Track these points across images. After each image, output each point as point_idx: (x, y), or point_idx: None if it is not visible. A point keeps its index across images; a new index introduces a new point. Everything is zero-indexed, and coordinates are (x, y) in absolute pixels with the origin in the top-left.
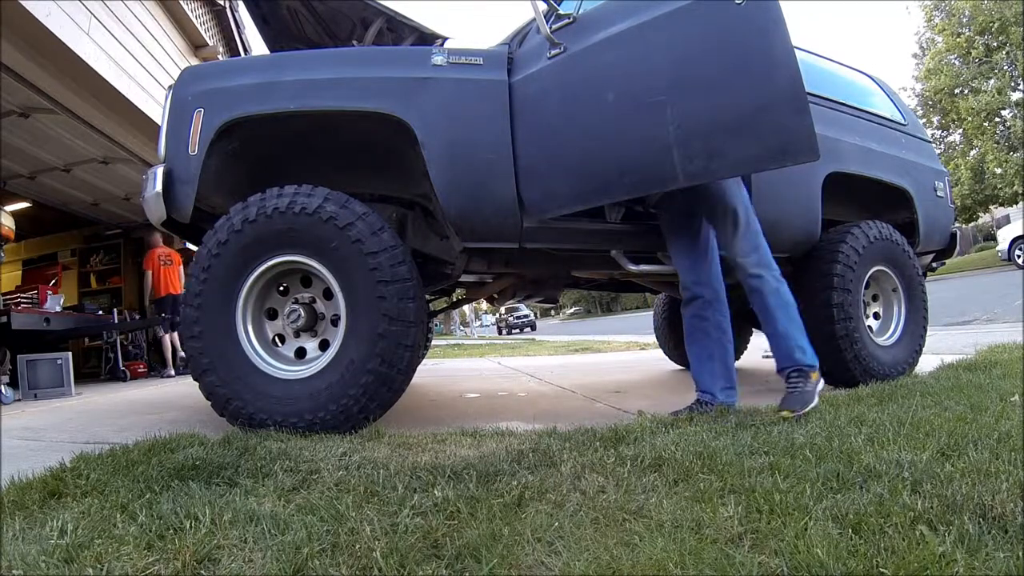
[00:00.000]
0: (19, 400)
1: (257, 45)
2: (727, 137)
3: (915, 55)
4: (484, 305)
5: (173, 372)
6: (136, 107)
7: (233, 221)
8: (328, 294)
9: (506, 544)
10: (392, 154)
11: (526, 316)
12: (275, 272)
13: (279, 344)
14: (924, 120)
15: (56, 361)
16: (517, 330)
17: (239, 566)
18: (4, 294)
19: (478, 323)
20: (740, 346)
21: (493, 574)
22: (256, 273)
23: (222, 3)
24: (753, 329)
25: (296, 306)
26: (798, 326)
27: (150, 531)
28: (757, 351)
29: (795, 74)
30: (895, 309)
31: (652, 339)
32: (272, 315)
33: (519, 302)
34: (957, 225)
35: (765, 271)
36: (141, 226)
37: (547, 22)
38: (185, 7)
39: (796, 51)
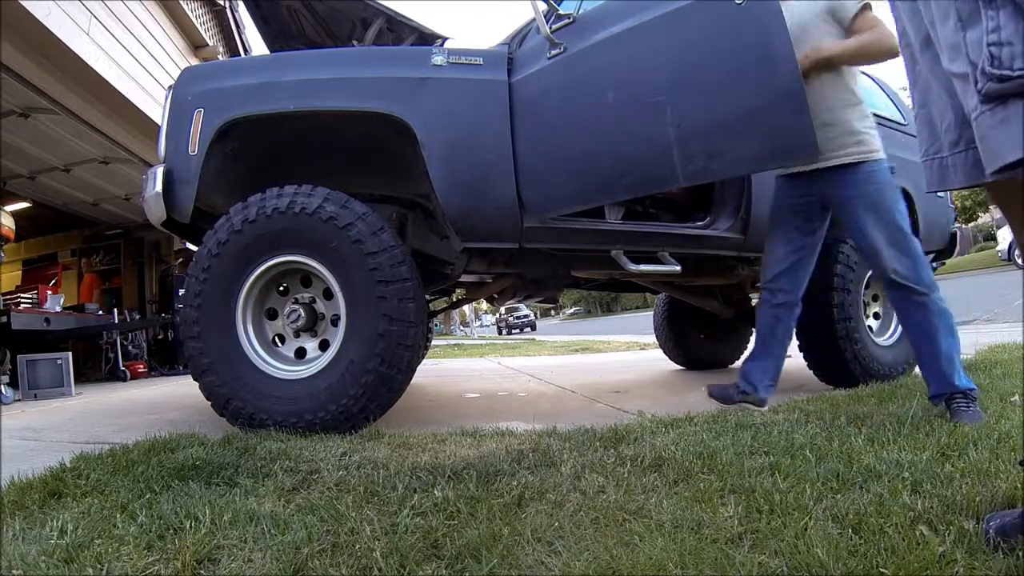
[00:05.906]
0: (19, 400)
1: (257, 45)
2: (727, 137)
3: None
4: (484, 305)
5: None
6: (136, 107)
7: (233, 221)
8: (328, 294)
9: (506, 544)
10: (392, 154)
11: (526, 316)
12: (275, 272)
13: (279, 344)
14: None
15: (56, 361)
16: (517, 330)
17: (239, 566)
18: (4, 294)
19: (478, 323)
20: (740, 345)
21: (493, 574)
22: (256, 273)
23: (222, 3)
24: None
25: (296, 306)
26: (955, 350)
27: (150, 531)
28: None
29: (795, 74)
30: None
31: (652, 339)
32: (272, 315)
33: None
34: (957, 225)
35: (933, 291)
36: (141, 226)
37: (547, 22)
38: (185, 7)
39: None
